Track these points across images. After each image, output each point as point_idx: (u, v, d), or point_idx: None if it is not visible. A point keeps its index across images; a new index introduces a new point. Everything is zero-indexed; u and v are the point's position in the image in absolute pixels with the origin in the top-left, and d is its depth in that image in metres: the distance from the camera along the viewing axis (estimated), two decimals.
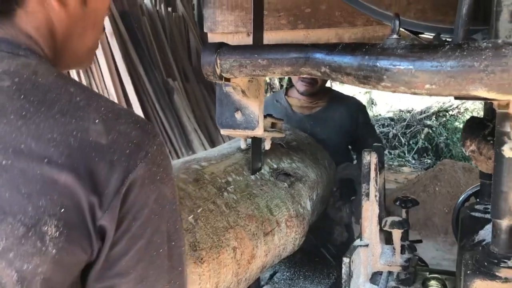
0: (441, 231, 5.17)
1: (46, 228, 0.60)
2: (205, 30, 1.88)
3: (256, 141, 1.38)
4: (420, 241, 1.71)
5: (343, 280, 1.33)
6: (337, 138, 2.20)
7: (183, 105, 4.79)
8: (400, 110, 9.89)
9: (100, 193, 0.62)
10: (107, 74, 4.22)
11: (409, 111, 9.66)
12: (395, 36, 0.82)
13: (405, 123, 9.30)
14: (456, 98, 0.80)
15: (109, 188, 0.63)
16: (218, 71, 1.04)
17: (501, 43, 0.73)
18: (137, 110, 4.30)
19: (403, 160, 8.46)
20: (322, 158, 1.96)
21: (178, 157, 4.61)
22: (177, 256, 0.74)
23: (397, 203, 1.56)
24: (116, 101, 4.21)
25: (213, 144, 5.03)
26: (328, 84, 2.66)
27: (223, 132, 1.32)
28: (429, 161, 8.28)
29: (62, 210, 0.61)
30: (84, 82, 4.05)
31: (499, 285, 0.93)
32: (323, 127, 2.19)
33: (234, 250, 1.21)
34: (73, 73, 4.01)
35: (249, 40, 1.80)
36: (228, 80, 1.09)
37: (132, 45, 4.53)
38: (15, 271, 0.60)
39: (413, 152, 8.58)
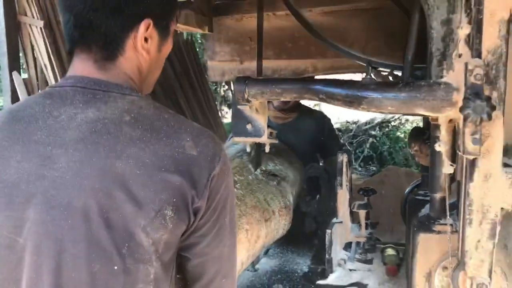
0: (387, 230, 5.78)
1: (166, 211, 0.87)
2: (205, 58, 2.32)
3: (259, 145, 1.83)
4: (377, 223, 2.21)
5: (326, 246, 1.80)
6: (306, 144, 2.64)
7: None
8: (347, 121, 10.54)
9: (196, 187, 0.90)
10: None
11: (355, 122, 10.25)
12: (369, 76, 1.30)
13: (351, 133, 9.93)
14: (405, 114, 1.29)
15: (201, 183, 0.91)
16: (246, 96, 1.49)
17: (432, 83, 1.23)
18: None
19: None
20: (294, 162, 2.37)
21: None
22: (234, 222, 1.04)
23: (360, 192, 2.05)
24: None
25: None
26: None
27: (236, 139, 1.76)
28: (374, 168, 8.90)
29: (175, 199, 0.88)
30: None
31: (434, 236, 1.43)
32: (294, 135, 2.63)
33: (247, 231, 1.58)
34: None
35: (241, 67, 2.26)
36: (250, 101, 1.54)
37: None
38: (150, 238, 0.87)
39: (360, 160, 9.21)
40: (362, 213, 1.90)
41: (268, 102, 2.81)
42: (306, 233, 2.27)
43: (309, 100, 1.44)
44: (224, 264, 1.02)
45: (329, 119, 2.89)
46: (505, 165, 1.30)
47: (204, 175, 0.91)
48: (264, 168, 1.98)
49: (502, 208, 1.23)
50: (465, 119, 1.15)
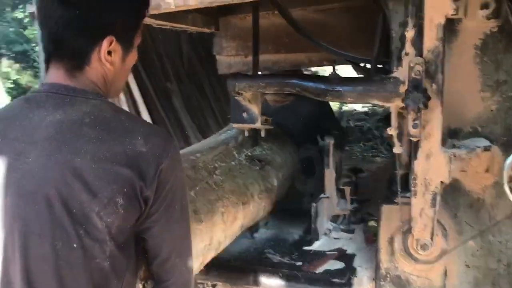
0: None
1: (117, 199, 1.01)
2: (213, 53, 2.60)
3: (256, 131, 2.11)
4: (368, 200, 2.45)
5: (312, 218, 2.07)
6: (303, 126, 2.72)
7: (180, 105, 5.50)
8: (374, 105, 10.63)
9: (145, 179, 1.03)
10: None
11: (382, 106, 10.34)
12: (334, 72, 1.56)
13: (378, 117, 10.03)
14: (363, 103, 1.54)
15: (149, 176, 1.03)
16: (236, 89, 1.77)
17: (383, 77, 1.48)
18: (144, 112, 4.97)
19: (376, 151, 9.24)
20: (286, 145, 2.51)
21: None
22: (184, 209, 1.17)
23: (348, 171, 2.31)
24: (125, 105, 4.87)
25: (204, 136, 5.73)
26: None
27: (235, 126, 2.04)
28: None
29: (125, 189, 1.01)
30: None
31: (395, 207, 1.67)
32: (292, 117, 2.72)
33: (222, 214, 1.70)
34: None
35: (246, 61, 2.53)
36: (241, 94, 1.82)
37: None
38: (103, 221, 1.01)
39: (385, 143, 9.31)
40: (347, 189, 2.15)
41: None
42: (303, 209, 2.50)
43: (288, 91, 1.70)
44: (178, 245, 1.17)
45: (326, 102, 3.04)
46: (454, 146, 1.54)
47: (152, 169, 1.04)
48: (250, 154, 2.13)
49: (441, 182, 1.47)
50: (406, 108, 1.39)
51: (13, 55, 14.04)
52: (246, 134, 2.13)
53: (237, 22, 2.50)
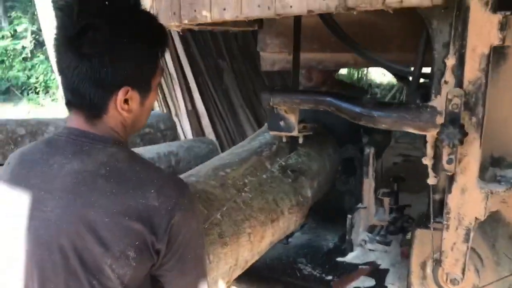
0: None
1: (129, 253, 1.04)
2: (258, 50, 2.56)
3: (293, 138, 2.09)
4: (409, 206, 2.40)
5: (347, 229, 2.06)
6: (344, 123, 2.71)
7: (231, 82, 5.50)
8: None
9: (156, 233, 1.05)
10: (168, 56, 4.94)
11: None
12: (368, 96, 1.50)
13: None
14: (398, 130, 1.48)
15: (161, 230, 1.05)
16: (271, 103, 1.76)
17: (421, 105, 1.41)
18: (193, 88, 5.03)
19: None
20: (327, 147, 2.45)
21: (227, 128, 5.34)
22: (198, 259, 1.18)
23: (390, 179, 2.25)
24: (177, 83, 4.94)
25: (255, 115, 5.73)
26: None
27: (271, 133, 2.03)
28: None
29: (137, 243, 1.04)
30: None
31: (429, 232, 1.62)
32: (332, 114, 2.70)
33: (249, 235, 1.67)
34: None
35: (289, 58, 2.48)
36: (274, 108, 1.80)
37: (188, 31, 5.21)
38: (116, 273, 1.04)
39: None
40: (386, 200, 2.11)
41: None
42: (345, 210, 2.48)
43: (323, 109, 1.67)
44: None
45: (369, 93, 2.95)
46: (495, 176, 1.46)
47: (164, 223, 1.06)
48: (283, 163, 2.07)
49: (476, 218, 1.41)
50: (441, 143, 1.33)
51: None
52: (284, 140, 2.11)
53: (281, 20, 2.44)
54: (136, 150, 2.88)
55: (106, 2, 1.10)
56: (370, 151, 2.07)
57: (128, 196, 1.05)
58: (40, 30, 13.03)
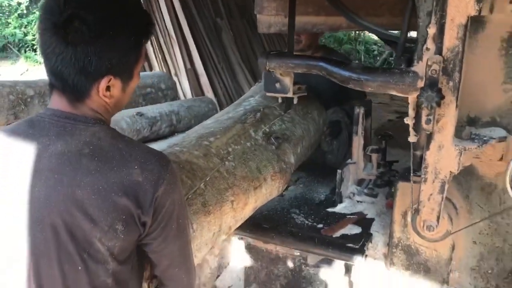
0: None
1: (117, 226, 1.11)
2: (255, 12, 2.65)
3: (288, 99, 2.23)
4: (396, 161, 2.56)
5: (337, 182, 2.23)
6: (329, 86, 2.84)
7: (229, 41, 5.58)
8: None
9: (142, 207, 1.13)
10: (167, 16, 5.00)
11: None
12: (356, 61, 1.63)
13: None
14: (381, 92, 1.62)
15: (146, 204, 1.13)
16: (267, 67, 1.89)
17: (403, 70, 1.55)
18: (192, 47, 5.12)
19: None
20: (311, 110, 2.49)
21: (225, 87, 5.46)
22: (182, 226, 1.26)
23: (378, 137, 2.41)
24: (175, 41, 5.02)
25: (253, 73, 5.83)
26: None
27: (268, 94, 2.17)
28: None
29: (124, 217, 1.11)
30: None
31: (409, 184, 1.79)
32: (318, 78, 2.79)
33: (232, 202, 1.73)
34: None
35: (285, 21, 2.57)
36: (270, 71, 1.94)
37: None
38: (105, 246, 1.12)
39: None
40: (374, 156, 2.27)
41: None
42: (328, 167, 2.64)
43: (315, 73, 1.80)
44: (176, 259, 1.28)
45: (351, 60, 3.11)
46: (471, 134, 1.62)
47: (149, 197, 1.13)
48: (268, 130, 2.10)
49: (451, 172, 1.57)
50: (420, 105, 1.47)
51: None
52: (280, 100, 2.25)
53: None
54: (139, 109, 3.03)
55: None
56: (360, 110, 2.21)
57: (113, 173, 1.10)
58: None
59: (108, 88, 1.16)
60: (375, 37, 10.38)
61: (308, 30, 2.57)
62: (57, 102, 1.17)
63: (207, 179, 1.67)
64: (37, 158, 1.11)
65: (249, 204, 1.86)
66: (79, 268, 1.12)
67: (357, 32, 10.04)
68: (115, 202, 1.10)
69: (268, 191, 1.99)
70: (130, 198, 1.11)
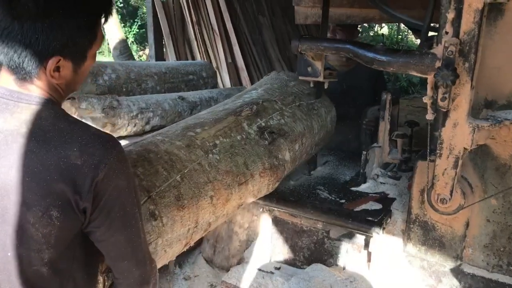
0: None
1: (51, 212, 1.03)
2: (293, 4, 2.82)
3: (320, 83, 2.38)
4: (420, 150, 2.65)
5: (361, 164, 2.36)
6: (367, 84, 3.07)
7: (270, 38, 5.76)
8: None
9: (80, 192, 1.04)
10: (211, 11, 5.23)
11: None
12: (381, 44, 1.78)
13: None
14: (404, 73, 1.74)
15: (85, 189, 1.04)
16: (299, 49, 2.05)
17: (424, 52, 1.67)
18: (234, 42, 5.32)
19: None
20: (319, 107, 2.46)
21: None
22: (128, 216, 1.16)
23: (405, 124, 2.52)
24: (218, 36, 5.24)
25: (292, 70, 5.99)
26: None
27: (300, 78, 2.32)
28: None
29: (59, 203, 1.03)
30: (194, 20, 5.11)
31: (427, 163, 1.90)
32: (357, 78, 3.05)
33: (211, 197, 1.65)
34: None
35: (321, 12, 2.73)
36: (302, 53, 2.09)
37: None
38: (40, 232, 1.04)
39: None
40: (399, 141, 2.39)
41: None
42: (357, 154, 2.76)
43: (343, 56, 1.95)
44: (123, 250, 1.18)
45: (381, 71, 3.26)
46: (487, 115, 1.72)
47: (88, 181, 1.04)
48: (263, 124, 2.01)
49: (465, 148, 1.68)
50: (437, 83, 1.60)
51: None
52: (312, 85, 2.40)
53: None
54: (182, 94, 3.23)
55: None
56: (387, 96, 2.34)
57: (49, 155, 1.03)
58: None
59: (57, 69, 1.09)
60: (418, 42, 10.32)
61: (342, 21, 2.72)
62: (4, 79, 1.09)
63: (186, 171, 1.60)
64: None
65: (232, 200, 1.76)
66: (8, 254, 1.06)
67: (399, 36, 10.02)
68: (50, 186, 1.02)
69: (255, 188, 1.89)
70: (67, 182, 1.03)
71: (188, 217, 1.56)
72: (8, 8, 1.01)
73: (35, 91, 1.09)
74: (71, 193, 1.04)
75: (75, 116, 1.39)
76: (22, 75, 1.07)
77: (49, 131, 1.05)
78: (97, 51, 1.20)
